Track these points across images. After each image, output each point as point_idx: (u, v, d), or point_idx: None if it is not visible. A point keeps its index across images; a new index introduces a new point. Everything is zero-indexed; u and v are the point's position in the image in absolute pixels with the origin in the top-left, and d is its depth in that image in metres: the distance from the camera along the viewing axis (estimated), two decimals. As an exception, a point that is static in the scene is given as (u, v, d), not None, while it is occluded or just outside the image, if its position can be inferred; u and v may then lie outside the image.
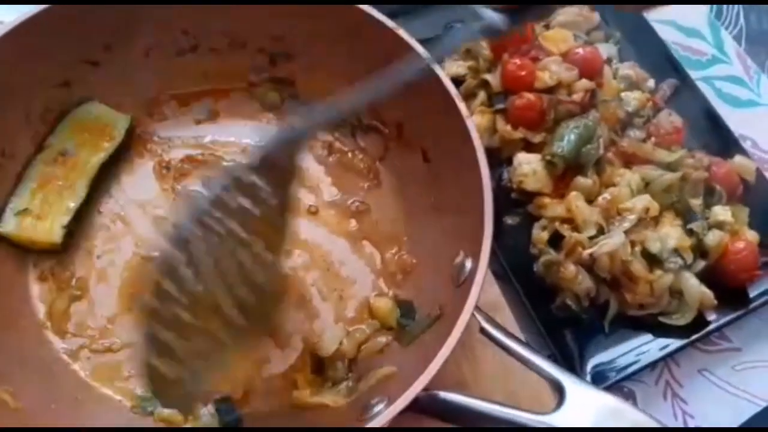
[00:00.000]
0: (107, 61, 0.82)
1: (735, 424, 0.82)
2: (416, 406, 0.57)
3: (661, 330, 0.82)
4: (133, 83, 0.85)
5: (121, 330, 0.76)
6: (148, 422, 0.72)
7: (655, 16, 1.04)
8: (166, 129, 0.87)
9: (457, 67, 0.93)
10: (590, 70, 0.90)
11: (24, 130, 0.80)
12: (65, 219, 0.78)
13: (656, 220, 0.84)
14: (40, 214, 0.78)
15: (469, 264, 0.68)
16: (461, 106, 0.71)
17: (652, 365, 0.82)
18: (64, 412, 0.70)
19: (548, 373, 0.62)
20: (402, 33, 0.74)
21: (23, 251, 0.78)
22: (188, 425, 0.72)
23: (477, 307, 0.62)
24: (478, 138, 0.69)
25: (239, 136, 0.87)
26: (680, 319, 0.82)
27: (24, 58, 0.74)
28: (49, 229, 0.78)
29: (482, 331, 0.64)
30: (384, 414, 0.56)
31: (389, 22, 0.74)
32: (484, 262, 0.63)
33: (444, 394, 0.59)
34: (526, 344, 0.65)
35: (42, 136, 0.81)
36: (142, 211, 0.83)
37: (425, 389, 0.57)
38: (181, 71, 0.86)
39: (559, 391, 0.60)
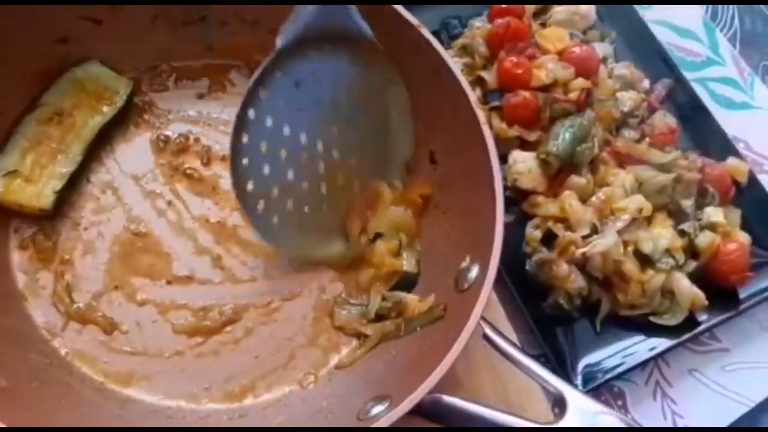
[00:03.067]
0: (111, 20, 0.79)
1: (724, 424, 0.83)
2: (418, 408, 0.56)
3: (651, 330, 0.82)
4: (135, 48, 0.82)
5: (108, 307, 0.72)
6: (139, 407, 0.69)
7: (651, 16, 1.04)
8: (166, 100, 0.84)
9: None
10: (586, 69, 0.90)
11: (16, 86, 0.75)
12: (57, 184, 0.74)
13: (649, 221, 0.84)
14: (30, 177, 0.73)
15: (474, 271, 0.67)
16: (479, 112, 0.69)
17: (643, 365, 0.82)
18: (45, 391, 0.66)
19: (552, 385, 0.62)
20: (424, 32, 0.72)
21: (4, 216, 0.73)
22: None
23: (481, 316, 0.61)
24: (495, 149, 0.67)
25: None
26: (671, 320, 0.82)
27: (20, 7, 0.70)
28: (39, 193, 0.73)
29: (485, 337, 0.64)
30: (387, 417, 0.56)
31: (413, 20, 0.72)
32: (492, 272, 0.62)
33: (448, 399, 0.59)
34: (528, 354, 0.65)
35: (35, 94, 0.77)
36: (134, 184, 0.79)
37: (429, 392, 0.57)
38: (186, 41, 0.83)
39: (560, 402, 0.61)
